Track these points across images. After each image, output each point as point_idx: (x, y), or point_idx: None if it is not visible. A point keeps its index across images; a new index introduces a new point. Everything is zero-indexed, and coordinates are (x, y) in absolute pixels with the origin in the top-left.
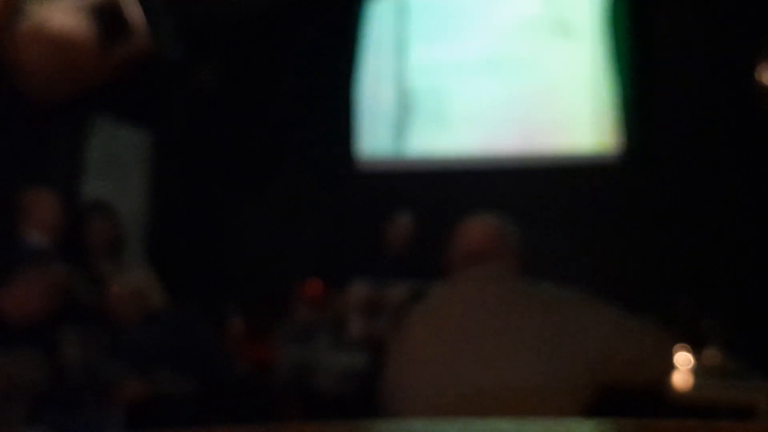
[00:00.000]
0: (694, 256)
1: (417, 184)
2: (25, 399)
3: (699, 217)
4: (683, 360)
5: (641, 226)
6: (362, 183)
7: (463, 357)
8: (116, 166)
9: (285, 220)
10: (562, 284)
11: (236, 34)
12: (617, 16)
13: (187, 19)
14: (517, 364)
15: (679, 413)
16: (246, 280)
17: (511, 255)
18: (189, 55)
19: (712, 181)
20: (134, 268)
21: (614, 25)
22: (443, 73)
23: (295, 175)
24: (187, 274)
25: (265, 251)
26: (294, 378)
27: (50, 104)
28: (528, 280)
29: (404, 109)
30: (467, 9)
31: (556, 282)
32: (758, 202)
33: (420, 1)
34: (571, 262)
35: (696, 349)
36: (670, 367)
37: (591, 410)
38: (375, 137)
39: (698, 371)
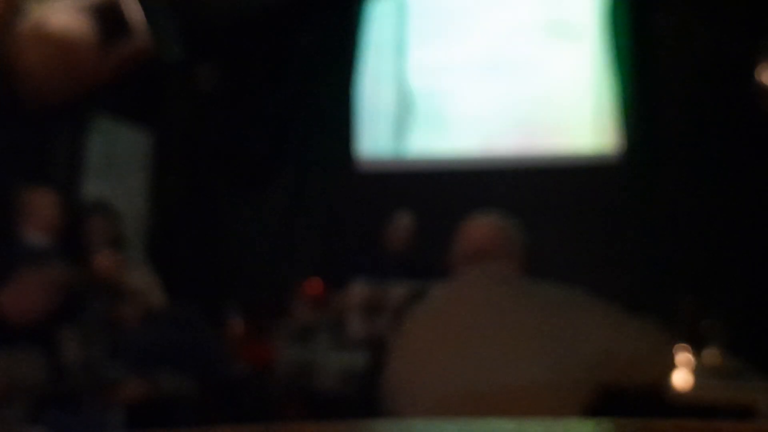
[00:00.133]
0: (694, 256)
1: (417, 184)
2: (25, 399)
3: (699, 217)
4: (683, 360)
5: (641, 226)
6: (362, 183)
7: (464, 356)
8: (116, 166)
9: (285, 220)
10: (562, 284)
11: (236, 35)
12: (617, 16)
13: (187, 20)
14: (517, 363)
15: (679, 413)
16: (246, 280)
17: (514, 255)
18: (189, 55)
19: (712, 181)
20: (134, 267)
21: (614, 25)
22: (443, 73)
23: (295, 175)
24: (187, 274)
25: (265, 251)
26: (294, 378)
27: (50, 104)
28: (529, 279)
29: (404, 109)
30: (467, 10)
31: (556, 282)
32: (758, 201)
33: (420, 3)
34: (572, 262)
35: (696, 349)
36: (671, 367)
37: (591, 410)
38: (375, 137)
39: (698, 371)
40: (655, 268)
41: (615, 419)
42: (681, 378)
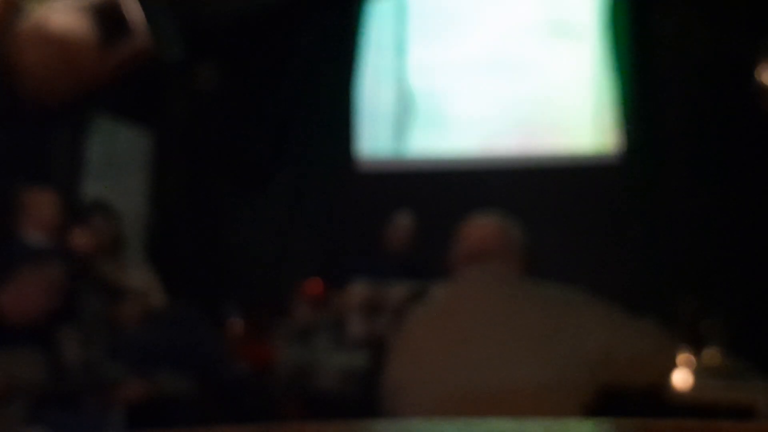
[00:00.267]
0: (694, 256)
1: (417, 184)
2: (25, 399)
3: (699, 217)
4: (683, 360)
5: (641, 226)
6: (362, 183)
7: (464, 357)
8: (116, 165)
9: (285, 220)
10: (562, 284)
11: (236, 35)
12: (617, 16)
13: (187, 19)
14: (517, 363)
15: (679, 413)
16: (246, 280)
17: (515, 255)
18: (189, 55)
19: (712, 181)
20: (134, 267)
21: (614, 25)
22: (443, 73)
23: (295, 175)
24: (187, 274)
25: (265, 251)
26: (294, 378)
27: (50, 104)
28: (529, 280)
29: (404, 109)
30: (467, 10)
31: (556, 282)
32: (758, 201)
33: (420, 3)
34: (572, 262)
35: (696, 349)
36: (671, 367)
37: (591, 410)
38: (375, 137)
39: (698, 371)
40: (655, 268)
41: (615, 419)
42: (681, 378)
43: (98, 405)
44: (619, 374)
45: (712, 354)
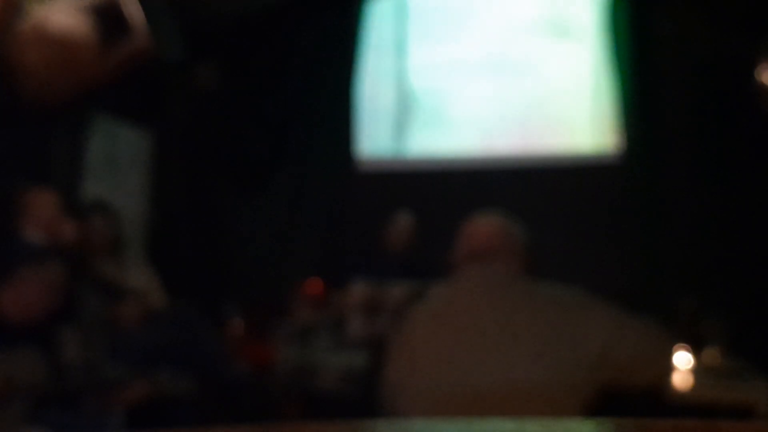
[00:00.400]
0: (694, 256)
1: (417, 184)
2: (25, 399)
3: (699, 217)
4: (683, 360)
5: (641, 226)
6: (362, 183)
7: (463, 356)
8: (116, 165)
9: (285, 219)
10: (562, 284)
11: (236, 35)
12: (617, 16)
13: (187, 19)
14: (517, 363)
15: (679, 413)
16: (246, 280)
17: (515, 255)
18: (189, 55)
19: (711, 181)
20: (134, 267)
21: (614, 25)
22: (443, 73)
23: (295, 174)
24: (187, 273)
25: (265, 251)
26: (294, 378)
27: (50, 104)
28: (529, 279)
29: (404, 109)
30: (467, 10)
31: (556, 282)
32: (758, 201)
33: (420, 2)
34: (572, 262)
35: (696, 349)
36: (670, 367)
37: (591, 410)
38: (375, 137)
39: (698, 371)
40: (655, 268)
41: (615, 419)
42: (681, 378)
43: (98, 405)
44: (619, 374)
45: (712, 354)
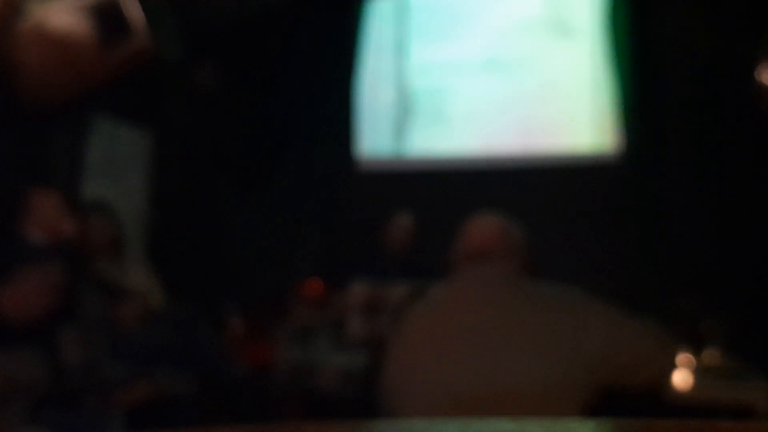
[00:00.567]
0: (694, 256)
1: (417, 184)
2: (25, 399)
3: (699, 217)
4: (683, 360)
5: (641, 226)
6: (362, 183)
7: (462, 356)
8: (116, 166)
9: (285, 220)
10: (562, 284)
11: (236, 34)
12: (617, 15)
13: (187, 19)
14: (517, 363)
15: (679, 413)
16: (246, 280)
17: (515, 255)
18: (189, 55)
19: (711, 181)
20: (134, 267)
21: (614, 24)
22: (443, 73)
23: (295, 174)
24: (187, 273)
25: (265, 251)
26: (294, 378)
27: (50, 104)
28: (529, 279)
29: (404, 109)
30: (467, 9)
31: (556, 282)
32: (758, 201)
33: (420, 1)
34: (571, 262)
35: (696, 349)
36: (671, 367)
37: (591, 410)
38: (375, 137)
39: (698, 371)
40: (655, 268)
41: (615, 419)
42: (681, 378)
43: (98, 405)
44: (619, 374)
45: (711, 354)
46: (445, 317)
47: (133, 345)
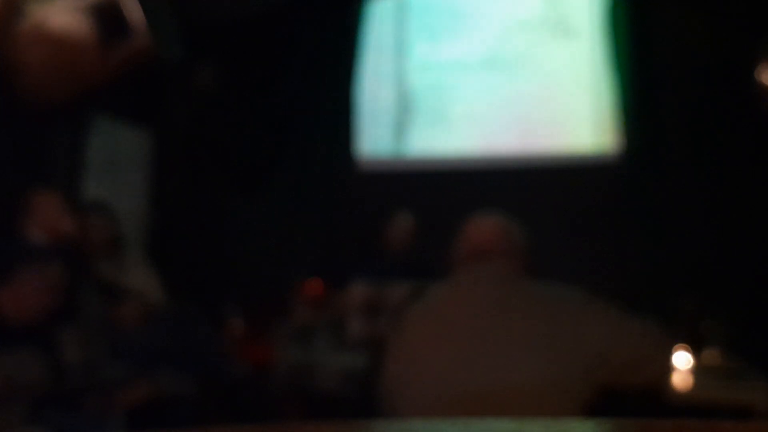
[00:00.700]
0: (694, 256)
1: (417, 184)
2: (25, 399)
3: (699, 217)
4: (683, 360)
5: (641, 226)
6: (362, 183)
7: (462, 356)
8: (116, 166)
9: (285, 220)
10: (562, 284)
11: (236, 35)
12: (617, 15)
13: (187, 19)
14: (516, 363)
15: (679, 413)
16: (246, 280)
17: (516, 255)
18: (189, 55)
19: (712, 181)
20: (135, 267)
21: (614, 24)
22: (443, 72)
23: (295, 174)
24: (187, 273)
25: (265, 251)
26: (294, 378)
27: (50, 104)
28: (529, 279)
29: (404, 108)
30: (467, 9)
31: (556, 282)
32: (758, 201)
33: (420, 1)
34: (571, 262)
35: (696, 349)
36: (670, 367)
37: (591, 410)
38: (375, 137)
39: (698, 371)
40: (655, 268)
41: (614, 419)
42: (680, 378)
43: (98, 405)
44: (619, 374)
45: (711, 354)
46: (445, 317)
47: (133, 345)
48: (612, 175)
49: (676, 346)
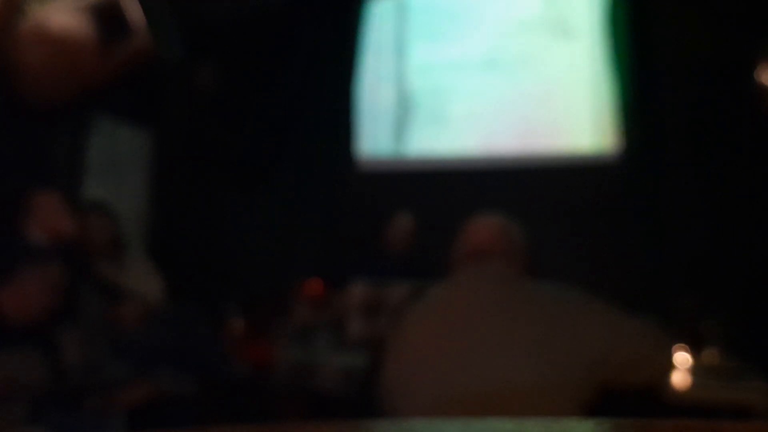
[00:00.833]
0: (693, 256)
1: (417, 184)
2: (26, 399)
3: (698, 217)
4: (682, 360)
5: (640, 226)
6: (362, 183)
7: (462, 356)
8: (117, 166)
9: (285, 220)
10: (561, 284)
11: (237, 35)
12: (616, 16)
13: (187, 20)
14: (516, 363)
15: (678, 413)
16: (246, 280)
17: (515, 255)
18: (189, 55)
19: (710, 182)
20: (135, 267)
21: (613, 25)
22: (443, 73)
23: (295, 175)
24: (188, 273)
25: (266, 251)
26: (294, 378)
27: (50, 105)
28: (528, 279)
29: (404, 109)
30: (467, 9)
31: (556, 282)
32: (757, 201)
33: (420, 2)
34: (571, 262)
35: (695, 349)
36: (669, 367)
37: (590, 410)
38: (375, 137)
39: (697, 371)
40: (654, 268)
41: (614, 419)
42: (680, 378)
43: (99, 406)
44: (618, 374)
45: (710, 354)
46: (445, 317)
47: (133, 345)
48: (611, 175)
49: (676, 346)
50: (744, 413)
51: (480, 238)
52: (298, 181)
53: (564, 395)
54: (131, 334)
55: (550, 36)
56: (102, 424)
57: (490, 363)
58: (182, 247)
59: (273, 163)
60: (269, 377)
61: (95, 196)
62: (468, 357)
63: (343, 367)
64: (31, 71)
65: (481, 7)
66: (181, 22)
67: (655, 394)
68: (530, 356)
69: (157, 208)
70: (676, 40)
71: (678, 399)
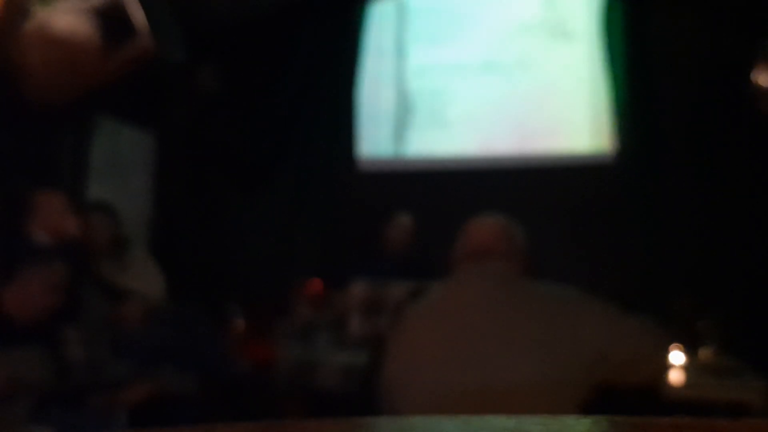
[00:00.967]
0: (690, 256)
1: (417, 185)
2: (29, 398)
3: (696, 218)
4: (679, 358)
5: (638, 227)
6: (362, 183)
7: (462, 355)
8: (119, 166)
9: (286, 220)
10: (560, 284)
11: (238, 37)
12: (614, 18)
13: (189, 21)
14: (515, 362)
15: (675, 411)
16: (247, 280)
17: (515, 255)
18: (191, 56)
19: (708, 182)
20: (137, 267)
21: (611, 27)
22: (443, 74)
23: (296, 175)
24: (189, 273)
25: (266, 251)
26: (295, 376)
27: (53, 105)
28: (527, 279)
29: (404, 110)
30: (466, 11)
31: (554, 282)
32: (755, 201)
33: (420, 4)
34: (570, 262)
35: (692, 348)
36: (666, 365)
37: (588, 408)
38: (375, 138)
39: (693, 369)
40: (651, 267)
41: (611, 417)
42: (677, 376)
43: (101, 404)
44: (616, 372)
45: (707, 353)
46: (445, 316)
47: (135, 344)
48: (609, 176)
49: (673, 345)
50: (740, 411)
51: (480, 238)
52: (299, 181)
53: (563, 394)
54: (133, 334)
55: (548, 38)
56: (104, 422)
57: (490, 362)
58: (184, 247)
59: (274, 163)
60: (270, 376)
61: (97, 196)
62: (467, 356)
63: (343, 365)
64: (34, 72)
65: (480, 10)
66: (182, 24)
67: (652, 392)
68: (529, 355)
69: (158, 209)
70: (672, 41)
71: (675, 397)
